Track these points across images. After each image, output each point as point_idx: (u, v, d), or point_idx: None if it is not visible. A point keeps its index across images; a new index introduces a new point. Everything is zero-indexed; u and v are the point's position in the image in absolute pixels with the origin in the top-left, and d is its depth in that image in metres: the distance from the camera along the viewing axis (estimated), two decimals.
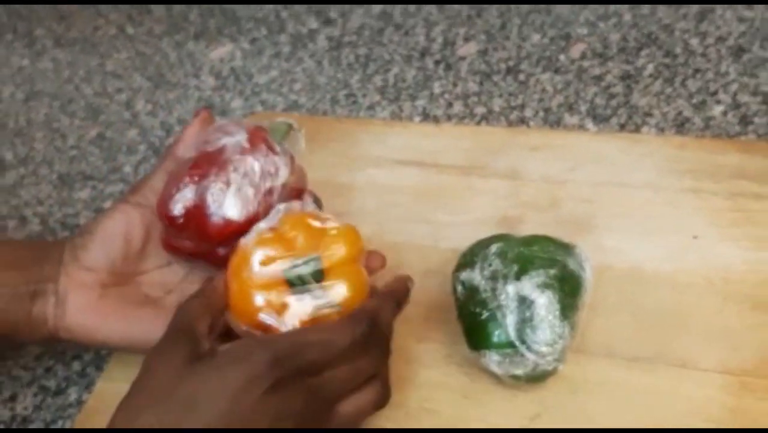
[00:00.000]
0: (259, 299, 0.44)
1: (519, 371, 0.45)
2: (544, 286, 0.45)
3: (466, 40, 0.80)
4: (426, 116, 0.73)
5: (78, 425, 0.54)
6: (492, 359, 0.45)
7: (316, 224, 0.46)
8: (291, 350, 0.40)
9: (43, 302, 0.50)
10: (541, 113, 0.70)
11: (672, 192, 0.58)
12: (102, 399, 0.55)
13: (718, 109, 0.66)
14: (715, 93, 0.68)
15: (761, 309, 0.50)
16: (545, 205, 0.59)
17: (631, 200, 0.58)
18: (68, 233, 0.71)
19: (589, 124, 0.68)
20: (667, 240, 0.55)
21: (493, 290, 0.46)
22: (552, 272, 0.46)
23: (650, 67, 0.72)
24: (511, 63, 0.76)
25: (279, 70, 0.83)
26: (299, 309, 0.44)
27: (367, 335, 0.42)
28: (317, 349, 0.41)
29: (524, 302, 0.45)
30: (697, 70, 0.70)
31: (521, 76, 0.74)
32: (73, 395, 0.58)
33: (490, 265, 0.47)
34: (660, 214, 0.57)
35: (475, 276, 0.47)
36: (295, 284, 0.44)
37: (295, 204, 0.48)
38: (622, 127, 0.67)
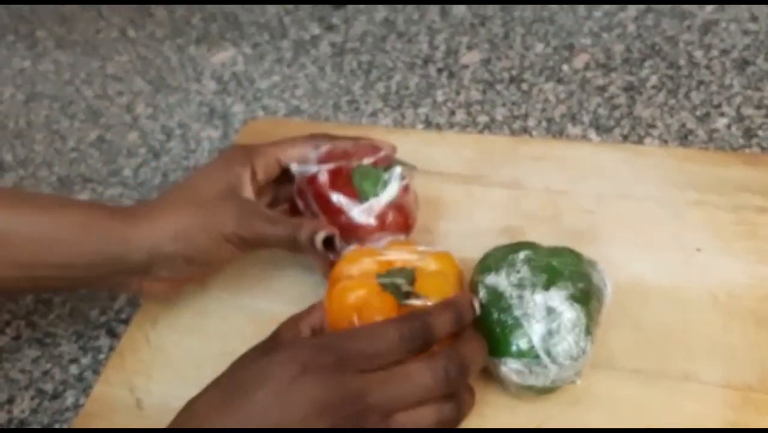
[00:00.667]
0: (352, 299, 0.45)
1: (538, 383, 0.45)
2: (573, 299, 0.45)
3: (469, 48, 0.80)
4: (428, 124, 0.72)
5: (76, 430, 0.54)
6: (511, 367, 0.45)
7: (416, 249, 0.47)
8: (335, 340, 0.41)
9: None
10: (544, 123, 0.70)
11: (675, 205, 0.58)
12: (99, 403, 0.55)
13: (722, 122, 0.66)
14: (719, 105, 0.68)
15: (765, 325, 0.49)
16: (547, 216, 0.59)
17: (634, 212, 0.58)
18: None
19: (592, 135, 0.67)
20: (670, 253, 0.55)
21: (520, 297, 0.45)
22: (580, 285, 0.45)
23: (654, 79, 0.72)
24: (514, 72, 0.76)
25: (281, 76, 0.82)
26: None
27: (417, 334, 0.41)
28: (361, 339, 0.41)
29: (552, 313, 0.44)
30: (701, 82, 0.70)
31: (524, 86, 0.74)
32: (70, 398, 0.58)
33: (518, 272, 0.46)
34: (663, 226, 0.57)
35: (501, 282, 0.47)
36: (389, 289, 0.44)
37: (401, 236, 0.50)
38: (625, 138, 0.66)
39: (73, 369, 0.60)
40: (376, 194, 0.52)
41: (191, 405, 0.42)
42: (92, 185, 0.75)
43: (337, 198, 0.51)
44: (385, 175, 0.52)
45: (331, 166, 0.52)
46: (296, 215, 0.55)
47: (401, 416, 0.41)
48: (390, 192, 0.52)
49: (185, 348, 0.57)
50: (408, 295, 0.44)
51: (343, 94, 0.78)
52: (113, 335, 0.62)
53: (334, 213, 0.51)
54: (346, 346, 0.41)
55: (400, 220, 0.52)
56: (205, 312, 0.59)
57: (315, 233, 0.49)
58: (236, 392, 0.40)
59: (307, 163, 0.54)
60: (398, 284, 0.44)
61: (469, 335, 0.44)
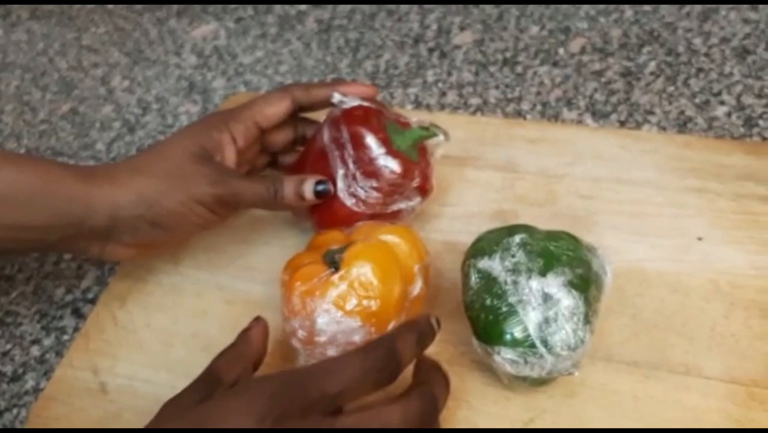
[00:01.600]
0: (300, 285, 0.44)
1: (533, 374, 0.42)
2: (571, 285, 0.42)
3: (462, 29, 0.77)
4: (418, 104, 0.69)
5: (34, 414, 0.50)
6: (505, 357, 0.41)
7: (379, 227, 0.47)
8: (294, 382, 0.36)
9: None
10: (539, 107, 0.67)
11: (674, 191, 0.55)
12: (60, 386, 0.51)
13: (722, 110, 0.64)
14: (718, 94, 0.65)
15: None
16: (542, 200, 0.56)
17: (632, 198, 0.55)
18: None
19: (588, 120, 0.65)
20: (670, 240, 0.52)
21: (515, 283, 0.42)
22: (579, 271, 0.43)
23: (652, 65, 0.69)
24: (508, 54, 0.73)
25: (265, 51, 0.79)
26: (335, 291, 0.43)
27: (382, 364, 0.37)
28: (323, 378, 0.36)
29: (548, 300, 0.41)
30: (700, 70, 0.68)
31: (518, 68, 0.71)
32: (30, 382, 0.54)
33: (513, 256, 0.43)
34: (662, 213, 0.54)
35: (495, 266, 0.43)
36: (329, 264, 0.44)
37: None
38: (622, 124, 0.64)
39: (35, 351, 0.56)
40: (407, 149, 0.51)
41: None
42: (62, 159, 0.72)
43: (370, 139, 0.50)
44: (419, 134, 0.52)
45: (372, 105, 0.52)
46: (304, 164, 0.54)
47: None
48: (420, 150, 0.52)
49: (155, 328, 0.53)
50: (335, 264, 0.44)
51: (329, 72, 0.75)
52: (79, 315, 0.58)
53: (362, 152, 0.50)
54: (307, 388, 0.36)
55: (421, 181, 0.51)
56: (177, 290, 0.55)
57: (302, 184, 0.48)
58: None
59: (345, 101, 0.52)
60: (333, 255, 0.44)
61: (432, 366, 0.41)
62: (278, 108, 0.53)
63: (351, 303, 0.43)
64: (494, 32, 0.76)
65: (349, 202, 0.50)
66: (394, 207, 0.51)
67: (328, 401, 0.36)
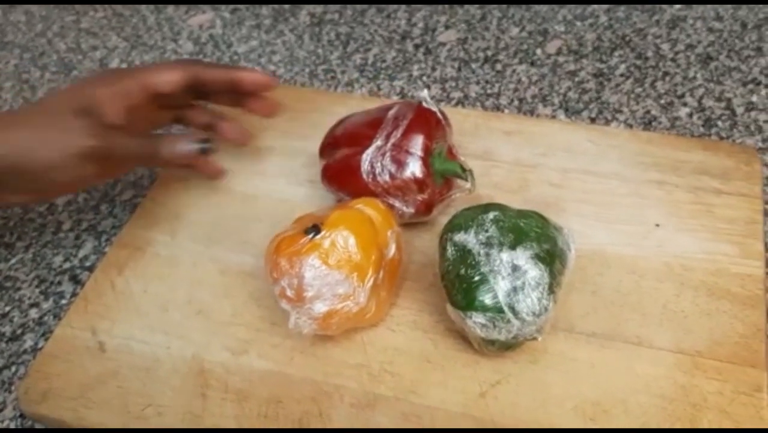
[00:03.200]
0: (286, 248, 0.48)
1: (500, 336, 0.46)
2: (538, 258, 0.46)
3: (447, 27, 0.81)
4: (403, 96, 0.74)
5: (34, 369, 0.53)
6: (476, 321, 0.46)
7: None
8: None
9: None
10: (516, 102, 0.71)
11: (637, 183, 0.60)
12: (60, 344, 0.54)
13: (684, 111, 0.69)
14: (682, 96, 0.70)
15: (716, 296, 0.52)
16: (515, 187, 0.61)
17: (598, 188, 0.60)
18: None
19: (561, 116, 0.70)
20: (630, 227, 0.57)
21: (487, 255, 0.47)
22: (545, 246, 0.47)
23: (622, 67, 0.74)
24: (489, 53, 0.78)
25: (259, 41, 0.83)
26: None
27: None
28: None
29: (517, 271, 0.46)
30: (666, 74, 0.73)
31: (498, 66, 0.76)
32: (29, 342, 0.57)
33: (486, 231, 0.48)
34: (624, 202, 0.59)
35: (470, 239, 0.48)
36: (309, 232, 0.49)
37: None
38: (592, 121, 0.69)
39: (33, 313, 0.59)
40: (437, 171, 0.55)
41: None
42: None
43: (419, 140, 0.54)
44: (454, 169, 0.56)
45: (445, 124, 0.57)
46: (360, 121, 0.58)
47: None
48: (446, 181, 0.57)
49: (151, 294, 0.57)
50: (315, 229, 0.48)
51: (320, 63, 0.79)
52: (77, 281, 0.61)
53: (405, 142, 0.54)
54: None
55: (426, 201, 0.55)
56: (174, 261, 0.59)
57: (177, 143, 0.54)
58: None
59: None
60: (311, 225, 0.49)
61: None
62: (169, 77, 0.56)
63: (334, 257, 0.47)
64: (477, 32, 0.80)
65: (364, 169, 0.54)
66: (390, 201, 0.55)
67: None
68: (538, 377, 0.49)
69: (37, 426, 0.53)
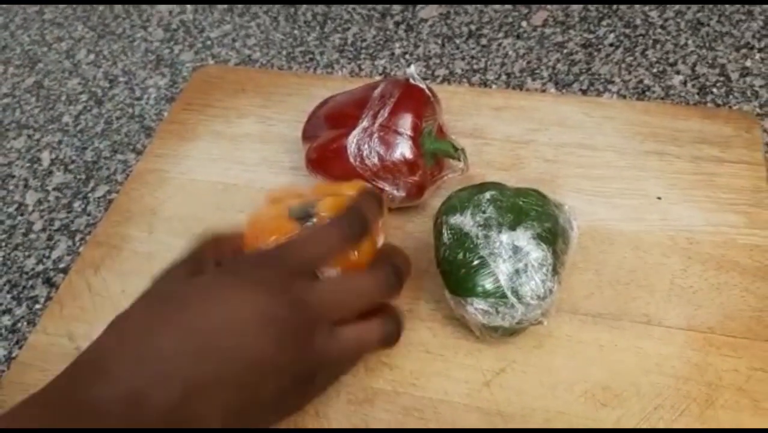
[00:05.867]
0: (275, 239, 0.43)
1: (504, 323, 0.43)
2: (540, 238, 0.43)
3: (428, 3, 0.78)
4: (386, 76, 0.71)
5: (8, 381, 0.50)
6: (477, 308, 0.43)
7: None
8: (277, 254, 0.40)
9: None
10: (504, 77, 0.69)
11: (635, 155, 0.58)
12: (34, 353, 0.51)
13: (677, 79, 0.66)
14: (674, 64, 0.68)
15: (724, 269, 0.50)
16: (508, 165, 0.58)
17: (595, 161, 0.58)
18: (0, 183, 0.66)
19: (552, 90, 0.67)
20: (631, 201, 0.55)
21: (486, 237, 0.44)
22: (547, 225, 0.44)
23: (611, 37, 0.71)
24: (473, 27, 0.75)
25: (232, 25, 0.79)
26: None
27: (354, 225, 0.41)
28: (305, 247, 0.40)
29: (518, 253, 0.43)
30: (656, 41, 0.70)
31: (483, 41, 0.73)
32: (1, 351, 0.54)
33: (483, 212, 0.45)
34: (623, 175, 0.56)
35: (466, 222, 0.45)
36: (300, 218, 0.44)
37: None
38: (584, 93, 0.66)
39: (6, 320, 0.56)
40: (427, 152, 0.52)
41: (118, 324, 0.37)
42: (28, 132, 0.71)
43: (408, 119, 0.51)
44: (446, 149, 0.53)
45: (433, 100, 0.53)
46: (345, 100, 0.55)
47: (348, 330, 0.40)
48: (437, 161, 0.53)
49: (130, 294, 0.52)
50: (308, 217, 0.44)
51: (297, 45, 0.75)
52: (51, 284, 0.58)
53: (393, 122, 0.51)
54: (286, 256, 0.39)
55: (417, 184, 0.52)
56: (152, 257, 0.56)
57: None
58: (171, 307, 0.37)
59: None
60: (303, 209, 0.44)
61: (393, 247, 0.45)
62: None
63: None
64: (459, 6, 0.77)
65: (351, 151, 0.51)
66: (380, 184, 0.52)
67: (309, 265, 0.40)
68: (544, 362, 0.47)
69: None
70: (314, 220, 0.43)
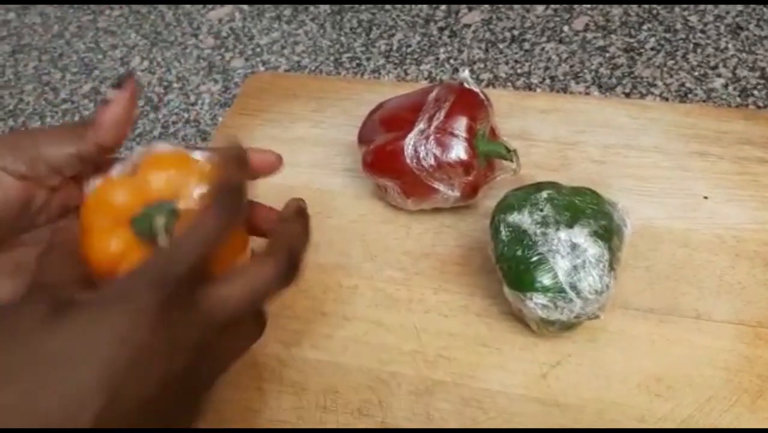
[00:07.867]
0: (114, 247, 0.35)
1: (562, 317, 0.45)
2: (596, 236, 0.45)
3: (470, 9, 0.81)
4: (432, 81, 0.73)
5: None
6: (537, 302, 0.45)
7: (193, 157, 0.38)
8: (162, 262, 0.31)
9: None
10: (548, 81, 0.71)
11: (679, 155, 0.59)
12: None
13: (719, 82, 0.68)
14: (715, 67, 0.69)
15: None
16: (557, 165, 0.60)
17: (641, 162, 0.59)
18: None
19: (595, 93, 0.69)
20: (677, 200, 0.56)
21: (544, 234, 0.46)
22: (603, 223, 0.46)
23: (652, 41, 0.73)
24: (515, 32, 0.77)
25: (280, 32, 0.82)
26: None
27: (227, 203, 0.34)
28: (183, 248, 0.32)
29: (576, 249, 0.45)
30: (697, 45, 0.72)
31: (526, 45, 0.75)
32: None
33: (540, 210, 0.47)
34: (669, 175, 0.58)
35: (524, 220, 0.47)
36: (146, 235, 0.35)
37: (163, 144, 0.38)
38: (627, 96, 0.68)
39: None
40: (481, 153, 0.54)
41: None
42: None
43: (463, 121, 0.53)
44: (499, 150, 0.54)
45: (486, 103, 0.55)
46: (399, 104, 0.57)
47: (228, 287, 0.33)
48: (489, 163, 0.55)
49: None
50: (158, 230, 0.34)
51: (344, 51, 0.78)
52: None
53: (448, 124, 0.53)
54: (178, 261, 0.31)
55: (471, 184, 0.54)
56: None
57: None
58: (59, 380, 0.28)
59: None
60: (156, 227, 0.34)
61: (289, 214, 0.40)
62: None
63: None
64: (501, 11, 0.79)
65: (408, 153, 0.53)
66: (435, 184, 0.54)
67: (199, 269, 0.32)
68: (598, 355, 0.49)
69: None
70: (165, 234, 0.34)
